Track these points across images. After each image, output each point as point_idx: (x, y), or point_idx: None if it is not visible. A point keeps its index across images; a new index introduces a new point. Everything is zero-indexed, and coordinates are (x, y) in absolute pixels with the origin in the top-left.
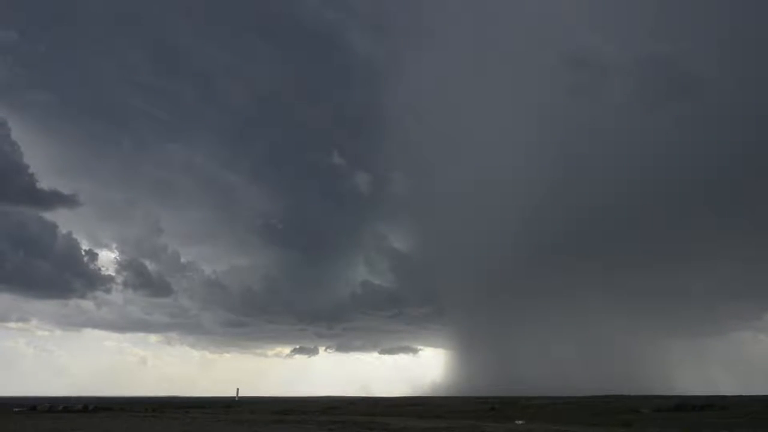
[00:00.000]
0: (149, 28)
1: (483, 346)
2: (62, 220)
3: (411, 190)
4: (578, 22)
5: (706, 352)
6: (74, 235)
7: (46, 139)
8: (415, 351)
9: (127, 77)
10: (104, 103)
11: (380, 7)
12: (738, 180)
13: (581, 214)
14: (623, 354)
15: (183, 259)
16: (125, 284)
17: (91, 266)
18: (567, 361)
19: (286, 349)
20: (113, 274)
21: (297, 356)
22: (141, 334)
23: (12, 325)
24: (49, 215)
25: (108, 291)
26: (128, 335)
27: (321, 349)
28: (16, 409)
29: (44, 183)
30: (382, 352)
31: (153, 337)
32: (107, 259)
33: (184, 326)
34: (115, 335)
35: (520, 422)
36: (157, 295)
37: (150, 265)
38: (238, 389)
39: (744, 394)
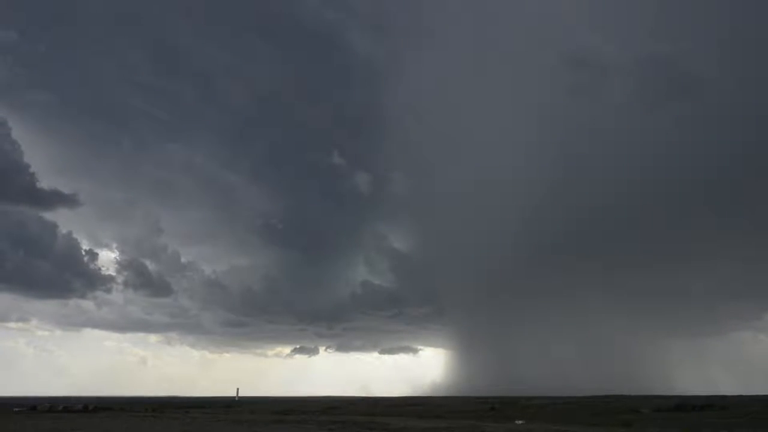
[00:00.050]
0: (149, 28)
1: (483, 346)
2: (62, 219)
3: (411, 190)
4: (578, 22)
5: (706, 352)
6: (74, 235)
7: (46, 139)
8: (415, 351)
9: (127, 77)
10: (104, 103)
11: (380, 7)
12: (738, 180)
13: (581, 214)
14: (623, 354)
15: (183, 259)
16: (125, 284)
17: (92, 266)
18: (567, 361)
19: (286, 349)
20: (113, 274)
21: (297, 356)
22: (141, 334)
23: (12, 325)
24: (49, 215)
25: (108, 291)
26: (128, 335)
27: (321, 349)
28: (16, 409)
29: (44, 183)
30: (382, 352)
31: (153, 337)
32: (107, 258)
33: (184, 326)
34: (115, 335)
35: (520, 422)
36: (157, 295)
37: (150, 265)
38: (238, 389)
39: (744, 394)
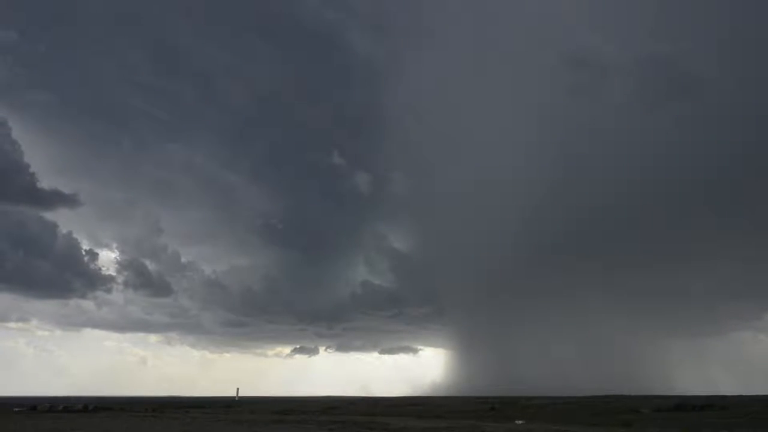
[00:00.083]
0: (149, 28)
1: (483, 346)
2: (62, 219)
3: (411, 190)
4: (578, 22)
5: (706, 352)
6: (74, 235)
7: (46, 139)
8: (415, 351)
9: (127, 77)
10: (104, 103)
11: (380, 7)
12: (738, 180)
13: (581, 214)
14: (623, 354)
15: (183, 259)
16: (125, 284)
17: (92, 266)
18: (567, 361)
19: (286, 349)
20: (113, 273)
21: (297, 356)
22: (141, 334)
23: (12, 325)
24: (49, 215)
25: (108, 291)
26: (128, 335)
27: (321, 349)
28: (16, 409)
29: (45, 182)
30: (382, 352)
31: (153, 337)
32: (107, 258)
33: (184, 326)
34: (115, 335)
35: (520, 422)
36: (158, 295)
37: (150, 265)
38: (238, 389)
39: (744, 394)
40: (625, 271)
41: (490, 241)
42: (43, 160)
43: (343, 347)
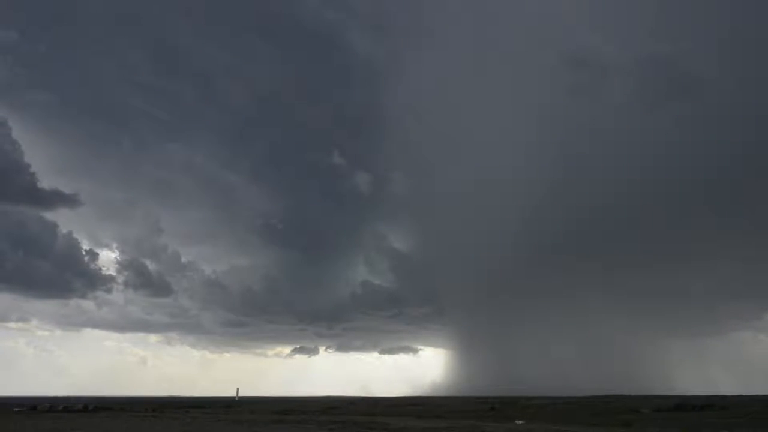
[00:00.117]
0: (149, 28)
1: (483, 346)
2: (63, 219)
3: (411, 190)
4: (578, 22)
5: (706, 352)
6: (75, 235)
7: (46, 139)
8: (415, 351)
9: (127, 77)
10: (104, 103)
11: (380, 7)
12: (738, 180)
13: (581, 214)
14: (623, 354)
15: (183, 259)
16: (125, 284)
17: (92, 266)
18: (567, 361)
19: (286, 349)
20: (114, 273)
21: (297, 356)
22: (141, 334)
23: (12, 325)
24: (49, 215)
25: (108, 291)
26: (128, 335)
27: (321, 349)
28: (16, 409)
29: (45, 182)
30: (382, 352)
31: (153, 337)
32: (108, 258)
33: (184, 326)
34: (115, 335)
35: (520, 422)
36: (158, 295)
37: (150, 265)
38: (238, 389)
39: (744, 394)
40: (625, 271)
41: (490, 241)
42: (43, 160)
43: (343, 347)
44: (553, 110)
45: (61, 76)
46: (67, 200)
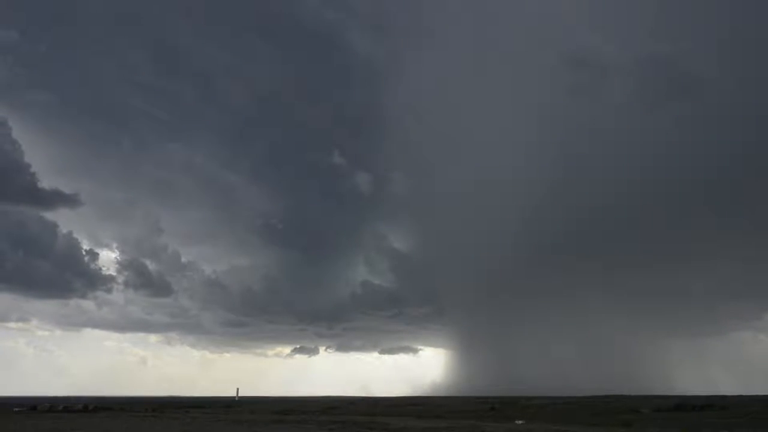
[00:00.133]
0: (149, 28)
1: (483, 346)
2: (63, 219)
3: (411, 190)
4: (578, 22)
5: (706, 352)
6: (75, 235)
7: (46, 139)
8: (415, 351)
9: (127, 77)
10: (104, 103)
11: (380, 7)
12: (738, 180)
13: (581, 214)
14: (623, 354)
15: (183, 259)
16: (126, 284)
17: (92, 266)
18: (567, 361)
19: (286, 349)
20: (114, 273)
21: (297, 356)
22: (141, 334)
23: (12, 325)
24: (49, 215)
25: (108, 291)
26: (128, 335)
27: (321, 349)
28: (16, 409)
29: (45, 182)
30: (382, 352)
31: (153, 337)
32: (108, 258)
33: (184, 326)
34: (115, 335)
35: (520, 422)
36: (158, 295)
37: (150, 265)
38: (238, 389)
39: (744, 394)
40: (625, 271)
41: (490, 241)
42: (43, 160)
43: (343, 347)
44: (553, 110)
45: (61, 76)
46: (67, 200)
